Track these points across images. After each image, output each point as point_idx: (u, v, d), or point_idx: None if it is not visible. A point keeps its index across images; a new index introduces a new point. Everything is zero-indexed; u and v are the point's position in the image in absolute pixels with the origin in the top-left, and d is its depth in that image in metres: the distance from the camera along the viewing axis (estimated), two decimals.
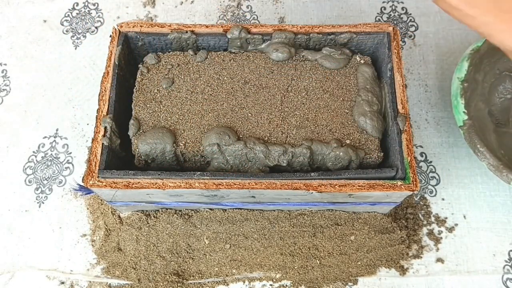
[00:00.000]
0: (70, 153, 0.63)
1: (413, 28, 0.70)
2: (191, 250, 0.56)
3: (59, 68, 0.69)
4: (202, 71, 0.54)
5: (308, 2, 0.73)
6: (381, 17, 0.72)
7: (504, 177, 0.51)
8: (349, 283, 0.54)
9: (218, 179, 0.47)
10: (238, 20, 0.72)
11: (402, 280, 0.54)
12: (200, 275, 0.55)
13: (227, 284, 0.55)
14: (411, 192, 0.47)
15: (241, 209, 0.57)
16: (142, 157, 0.50)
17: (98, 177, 0.47)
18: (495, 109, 0.60)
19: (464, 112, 0.55)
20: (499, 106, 0.61)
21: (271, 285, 0.55)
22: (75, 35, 0.71)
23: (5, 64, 0.69)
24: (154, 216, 0.57)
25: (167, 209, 0.57)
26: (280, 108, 0.52)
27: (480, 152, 0.53)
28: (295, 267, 0.55)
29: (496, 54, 0.59)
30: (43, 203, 0.60)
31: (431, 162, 0.61)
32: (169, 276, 0.54)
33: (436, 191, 0.59)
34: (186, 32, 0.54)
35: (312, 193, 0.47)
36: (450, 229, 0.57)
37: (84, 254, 0.57)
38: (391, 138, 0.50)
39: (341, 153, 0.48)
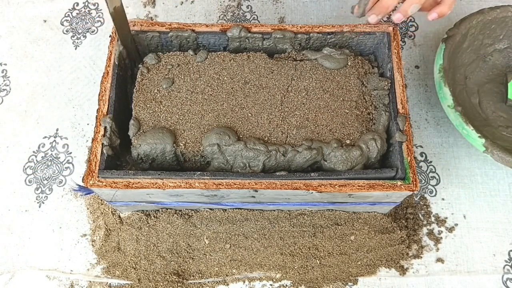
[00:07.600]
0: (70, 153, 0.63)
1: (413, 28, 0.70)
2: (191, 250, 0.56)
3: (59, 68, 0.69)
4: (202, 71, 0.54)
5: (308, 2, 0.73)
6: None
7: None
8: (349, 283, 0.54)
9: (218, 179, 0.47)
10: (238, 20, 0.72)
11: (402, 280, 0.54)
12: (200, 275, 0.55)
13: (227, 284, 0.55)
14: (411, 192, 0.47)
15: (241, 209, 0.57)
16: (142, 157, 0.50)
17: (98, 177, 0.47)
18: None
19: (479, 136, 0.52)
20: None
21: (271, 285, 0.55)
22: (75, 35, 0.71)
23: (5, 64, 0.69)
24: (154, 216, 0.57)
25: (167, 209, 0.57)
26: (280, 108, 0.51)
27: None
28: (295, 267, 0.55)
29: (456, 59, 0.59)
30: (43, 203, 0.60)
31: (431, 162, 0.61)
32: (169, 276, 0.54)
33: (436, 191, 0.59)
34: (186, 31, 0.54)
35: (312, 193, 0.47)
36: (450, 229, 0.57)
37: (84, 254, 0.57)
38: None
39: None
